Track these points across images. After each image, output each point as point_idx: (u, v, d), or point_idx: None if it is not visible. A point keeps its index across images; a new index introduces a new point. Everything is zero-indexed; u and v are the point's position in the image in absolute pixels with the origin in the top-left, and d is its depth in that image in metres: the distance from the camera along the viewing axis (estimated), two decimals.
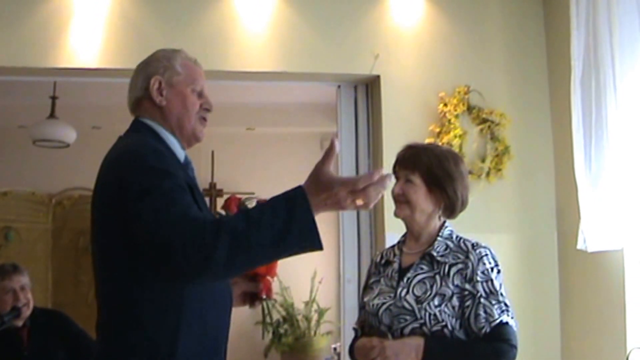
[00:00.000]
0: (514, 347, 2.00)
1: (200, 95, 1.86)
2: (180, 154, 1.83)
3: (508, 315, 2.02)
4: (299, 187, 1.50)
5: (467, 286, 2.03)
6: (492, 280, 2.04)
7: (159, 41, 3.51)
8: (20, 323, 3.12)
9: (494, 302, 2.01)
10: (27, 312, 3.14)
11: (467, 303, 2.02)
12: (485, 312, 2.00)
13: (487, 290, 2.02)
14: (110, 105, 5.25)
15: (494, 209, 3.58)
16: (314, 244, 1.48)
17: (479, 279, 2.03)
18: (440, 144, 3.45)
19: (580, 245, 3.09)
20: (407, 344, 2.00)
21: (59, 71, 3.51)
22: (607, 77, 3.00)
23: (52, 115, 5.08)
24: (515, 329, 2.04)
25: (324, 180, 1.50)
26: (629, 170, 2.92)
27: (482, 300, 2.01)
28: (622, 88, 2.96)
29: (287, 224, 1.46)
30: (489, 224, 3.50)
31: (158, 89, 1.81)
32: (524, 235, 3.63)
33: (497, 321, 2.00)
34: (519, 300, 3.45)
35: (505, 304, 2.03)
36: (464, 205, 2.19)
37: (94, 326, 1.75)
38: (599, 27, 3.06)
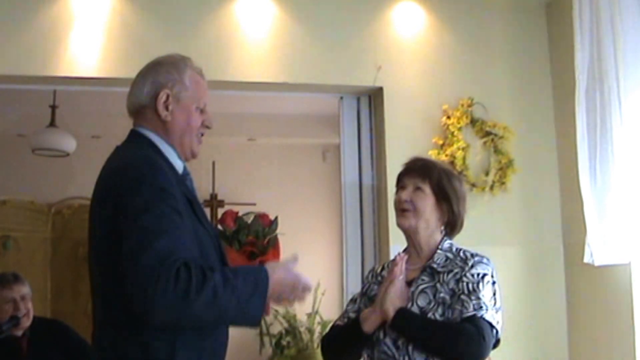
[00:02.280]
0: (483, 338, 1.94)
1: (203, 112, 1.86)
2: (179, 165, 1.83)
3: (486, 313, 1.98)
4: (264, 268, 1.65)
5: (456, 286, 2.03)
6: (478, 283, 2.02)
7: (159, 51, 3.45)
8: (19, 332, 3.13)
9: (473, 298, 1.99)
10: (27, 322, 3.15)
11: (451, 301, 2.02)
12: (462, 305, 1.99)
13: (469, 289, 2.01)
14: (110, 115, 5.23)
15: (499, 222, 3.56)
16: (258, 318, 1.62)
17: (464, 279, 2.03)
18: (443, 156, 3.46)
19: (587, 259, 3.07)
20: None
21: (59, 80, 3.49)
22: (612, 90, 3.00)
23: (51, 124, 5.06)
24: (493, 329, 1.99)
25: (295, 272, 1.69)
26: (634, 183, 2.91)
27: (461, 296, 2.01)
28: (627, 100, 2.96)
29: (253, 292, 1.58)
30: (494, 237, 3.48)
31: (165, 102, 1.80)
32: (530, 249, 3.60)
33: (470, 314, 1.97)
34: (525, 315, 3.43)
35: (486, 305, 1.99)
36: (461, 226, 2.21)
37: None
38: (603, 40, 3.06)
